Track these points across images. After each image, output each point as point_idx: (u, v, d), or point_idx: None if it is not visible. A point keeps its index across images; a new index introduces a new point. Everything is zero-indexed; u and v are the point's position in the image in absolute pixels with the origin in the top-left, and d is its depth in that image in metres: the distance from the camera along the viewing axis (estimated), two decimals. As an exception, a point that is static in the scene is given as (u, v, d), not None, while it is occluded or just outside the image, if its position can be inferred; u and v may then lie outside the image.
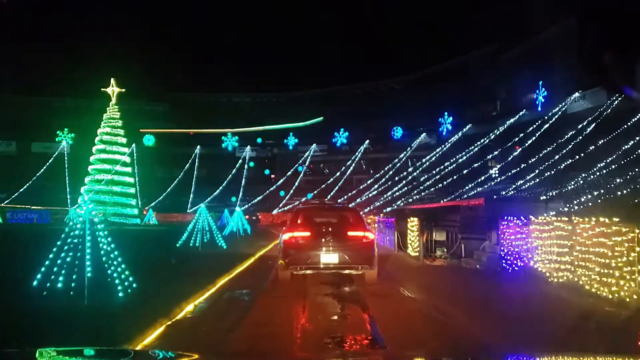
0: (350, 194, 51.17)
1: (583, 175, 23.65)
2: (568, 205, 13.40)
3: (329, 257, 8.88)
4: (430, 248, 14.70)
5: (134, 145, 61.50)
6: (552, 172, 27.29)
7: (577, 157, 26.00)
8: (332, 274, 9.47)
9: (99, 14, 69.60)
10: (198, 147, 63.06)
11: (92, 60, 64.65)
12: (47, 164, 57.95)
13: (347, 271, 9.19)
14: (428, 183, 41.51)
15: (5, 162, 56.79)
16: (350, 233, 9.27)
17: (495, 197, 25.22)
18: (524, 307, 7.28)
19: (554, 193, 21.26)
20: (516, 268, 11.03)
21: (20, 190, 53.96)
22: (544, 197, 19.41)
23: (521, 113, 39.30)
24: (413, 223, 14.36)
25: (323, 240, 8.94)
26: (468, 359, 3.60)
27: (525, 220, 10.67)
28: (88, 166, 43.66)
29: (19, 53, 57.08)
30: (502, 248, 11.81)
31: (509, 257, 11.45)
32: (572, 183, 23.32)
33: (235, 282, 9.60)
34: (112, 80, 41.52)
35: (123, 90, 41.61)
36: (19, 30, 61.60)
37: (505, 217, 11.91)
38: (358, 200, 49.13)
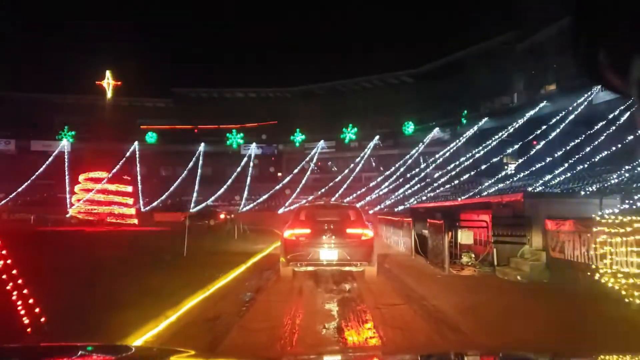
0: (359, 192, 48.79)
1: (627, 167, 21.08)
2: (628, 201, 10.95)
3: (328, 254, 9.11)
4: (455, 253, 12.34)
5: (136, 142, 59.86)
6: (585, 165, 24.75)
7: (614, 148, 23.45)
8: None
9: (100, 8, 67.66)
10: (202, 144, 60.90)
11: (93, 56, 62.97)
12: (47, 162, 56.27)
13: (347, 268, 9.37)
14: (443, 180, 38.95)
15: (4, 161, 55.12)
16: (349, 230, 9.39)
17: (536, 191, 22.18)
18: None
19: (594, 188, 18.80)
20: (572, 282, 8.66)
21: (19, 189, 52.34)
22: (587, 192, 16.98)
23: (542, 104, 36.60)
24: (435, 224, 12.00)
25: (323, 237, 9.17)
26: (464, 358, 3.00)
27: (585, 221, 8.30)
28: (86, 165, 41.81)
29: (17, 48, 55.47)
30: (550, 255, 9.44)
31: (560, 267, 9.08)
32: (615, 177, 20.79)
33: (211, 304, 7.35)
34: (108, 73, 39.33)
35: (119, 83, 39.43)
36: (19, 24, 59.89)
37: (554, 217, 9.55)
38: (367, 198, 46.74)
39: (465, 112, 46.25)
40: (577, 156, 26.12)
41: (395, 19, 70.69)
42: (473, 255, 12.16)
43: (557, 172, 26.78)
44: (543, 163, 28.79)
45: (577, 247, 8.47)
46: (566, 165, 26.46)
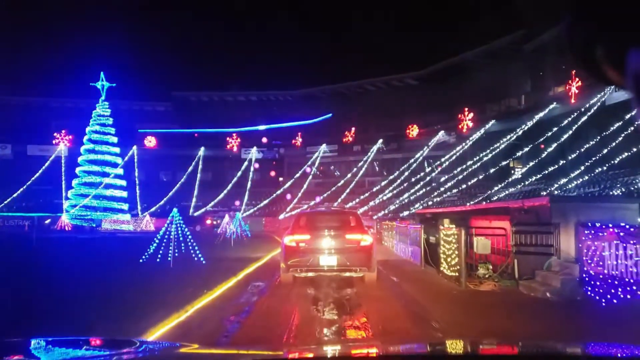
0: (362, 197, 47.48)
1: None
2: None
3: (328, 260, 9.11)
4: (469, 264, 11.05)
5: (134, 147, 58.70)
6: (604, 167, 23.33)
7: (635, 149, 22.03)
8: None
9: (97, 11, 66.86)
10: (202, 148, 59.68)
11: (91, 59, 62.12)
12: (43, 167, 55.13)
13: (346, 273, 9.34)
14: (450, 184, 37.60)
15: (1, 166, 54.05)
16: (348, 236, 9.44)
17: (565, 195, 20.62)
18: None
19: (617, 192, 17.45)
20: (615, 301, 7.38)
21: (14, 195, 51.21)
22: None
23: (552, 106, 35.26)
24: (449, 231, 10.73)
25: (323, 243, 9.22)
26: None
27: (631, 229, 7.02)
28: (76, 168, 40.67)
29: (13, 51, 54.58)
30: (585, 268, 8.15)
31: (599, 283, 7.79)
32: (640, 180, 19.47)
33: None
34: (102, 74, 38.28)
35: (114, 85, 38.35)
36: (15, 28, 59.02)
37: (590, 224, 8.27)
38: (371, 203, 45.46)
39: (471, 114, 44.89)
40: (593, 158, 24.70)
41: (398, 20, 69.62)
42: (491, 267, 10.91)
43: (572, 175, 25.35)
44: (556, 166, 27.35)
45: (621, 259, 7.20)
46: (582, 168, 25.07)
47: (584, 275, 8.17)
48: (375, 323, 6.45)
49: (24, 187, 52.20)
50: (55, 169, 55.17)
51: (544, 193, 23.73)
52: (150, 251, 12.68)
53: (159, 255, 12.27)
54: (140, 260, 12.38)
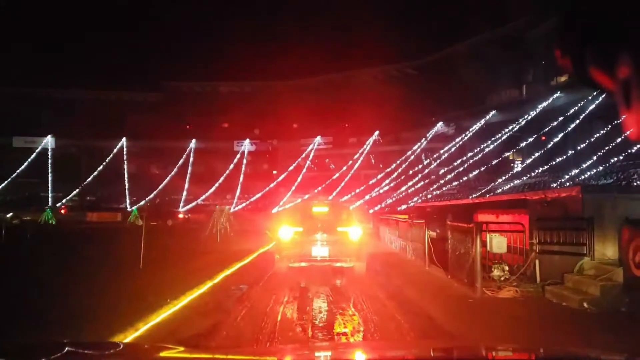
0: (357, 190, 45.99)
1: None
2: None
3: (320, 251, 9.47)
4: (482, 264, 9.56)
5: (124, 139, 56.99)
6: (620, 157, 21.85)
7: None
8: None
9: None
10: (193, 140, 57.99)
11: (78, 46, 60.22)
12: (29, 159, 53.40)
13: (337, 264, 9.54)
14: (450, 176, 36.13)
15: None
16: (339, 228, 9.85)
17: (601, 184, 18.84)
18: None
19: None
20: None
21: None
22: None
23: (555, 95, 33.78)
24: (460, 228, 9.23)
25: (315, 235, 9.62)
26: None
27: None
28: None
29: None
30: (631, 273, 6.68)
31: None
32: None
33: None
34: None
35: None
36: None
37: (633, 219, 6.79)
38: (367, 197, 43.99)
39: (471, 106, 43.40)
40: (605, 148, 23.24)
41: (395, 7, 67.61)
42: (507, 268, 9.43)
43: (584, 165, 23.85)
44: (564, 157, 25.87)
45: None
46: (594, 158, 23.59)
47: (630, 282, 6.71)
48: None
49: (9, 179, 50.66)
50: (43, 161, 53.64)
51: (555, 185, 22.24)
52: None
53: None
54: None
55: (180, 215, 30.93)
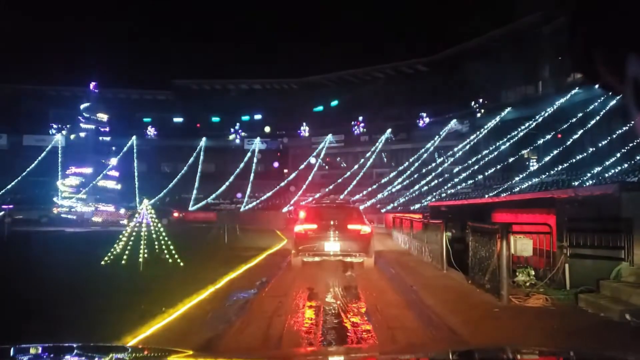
0: (369, 189, 45.23)
1: None
2: None
3: (332, 246, 10.54)
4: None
5: (134, 137, 56.76)
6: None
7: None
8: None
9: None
10: (204, 139, 57.58)
11: (88, 46, 60.20)
12: (39, 158, 53.30)
13: (348, 258, 10.65)
14: (464, 175, 35.24)
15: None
16: (350, 226, 10.81)
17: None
18: None
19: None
20: None
21: (8, 187, 49.47)
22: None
23: (574, 92, 32.70)
24: (483, 229, 8.49)
25: (328, 232, 10.64)
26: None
27: None
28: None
29: (9, 38, 52.65)
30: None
31: None
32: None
33: None
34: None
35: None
36: (10, 13, 56.94)
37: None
38: (379, 196, 43.24)
39: (485, 102, 42.38)
40: (631, 144, 22.19)
41: (408, 3, 66.76)
42: (533, 273, 8.68)
43: (607, 163, 22.87)
44: (585, 154, 24.90)
45: None
46: (618, 155, 22.60)
47: (679, 291, 5.95)
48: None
49: (19, 177, 50.62)
50: (53, 159, 53.47)
51: (576, 183, 21.31)
52: (115, 251, 10.57)
53: (124, 257, 10.14)
54: (102, 263, 10.27)
55: (175, 214, 30.48)
